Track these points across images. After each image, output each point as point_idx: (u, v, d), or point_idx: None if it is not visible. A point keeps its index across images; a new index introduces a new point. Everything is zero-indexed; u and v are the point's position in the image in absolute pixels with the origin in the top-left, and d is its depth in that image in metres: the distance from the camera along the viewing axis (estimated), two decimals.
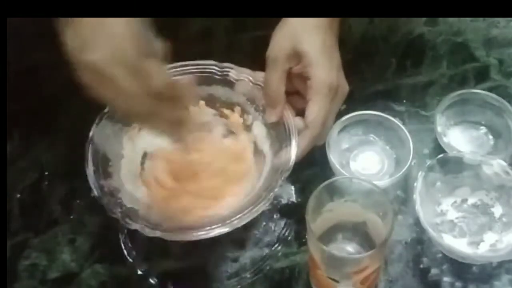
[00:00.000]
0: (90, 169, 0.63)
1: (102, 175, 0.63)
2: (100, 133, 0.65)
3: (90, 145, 0.64)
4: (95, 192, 0.61)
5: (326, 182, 0.57)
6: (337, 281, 0.56)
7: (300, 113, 0.65)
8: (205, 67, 0.70)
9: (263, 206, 0.59)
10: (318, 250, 0.55)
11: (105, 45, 0.52)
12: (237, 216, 0.59)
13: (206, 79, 0.70)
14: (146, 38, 0.54)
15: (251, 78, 0.69)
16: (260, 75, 0.68)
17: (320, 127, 0.64)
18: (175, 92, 0.57)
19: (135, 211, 0.61)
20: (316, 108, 0.64)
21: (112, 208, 0.60)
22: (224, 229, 0.58)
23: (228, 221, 0.58)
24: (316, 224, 0.57)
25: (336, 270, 0.56)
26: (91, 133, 0.65)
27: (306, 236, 0.56)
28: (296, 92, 0.67)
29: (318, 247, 0.54)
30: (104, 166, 0.64)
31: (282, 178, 0.61)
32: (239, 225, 0.59)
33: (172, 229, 0.60)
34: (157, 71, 0.55)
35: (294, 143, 0.63)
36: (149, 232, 0.58)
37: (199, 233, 0.58)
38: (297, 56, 0.64)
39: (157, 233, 0.58)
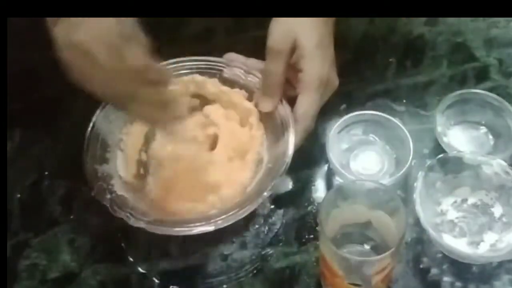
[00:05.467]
0: (87, 152, 0.64)
1: (99, 160, 0.64)
2: (103, 118, 0.67)
3: (92, 129, 0.65)
4: (89, 176, 0.62)
5: (335, 187, 0.57)
6: (359, 285, 0.56)
7: (288, 100, 0.66)
8: (214, 64, 0.70)
9: (249, 209, 0.60)
10: (339, 259, 0.54)
11: (91, 26, 0.54)
12: (222, 217, 0.59)
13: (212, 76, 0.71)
14: (130, 24, 0.56)
15: (244, 68, 0.70)
16: (252, 62, 0.69)
17: (310, 120, 0.66)
18: (155, 75, 0.57)
19: (124, 199, 0.62)
20: (306, 101, 0.65)
21: (102, 193, 0.61)
22: (208, 228, 0.59)
23: (212, 220, 0.59)
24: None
25: (357, 274, 0.55)
26: (94, 117, 0.66)
27: (320, 247, 0.56)
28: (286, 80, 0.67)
29: (338, 256, 0.54)
30: (102, 151, 0.65)
31: (272, 183, 0.61)
32: (222, 225, 0.59)
33: (157, 222, 0.60)
34: (137, 52, 0.55)
35: (289, 154, 0.63)
36: (133, 222, 0.59)
37: (183, 228, 0.59)
38: (294, 48, 0.65)
39: (141, 224, 0.59)
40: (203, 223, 0.59)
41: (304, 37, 0.64)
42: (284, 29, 0.65)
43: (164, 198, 0.66)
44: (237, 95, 0.70)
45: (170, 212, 0.64)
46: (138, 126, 0.69)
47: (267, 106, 0.67)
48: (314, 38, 0.65)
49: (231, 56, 0.71)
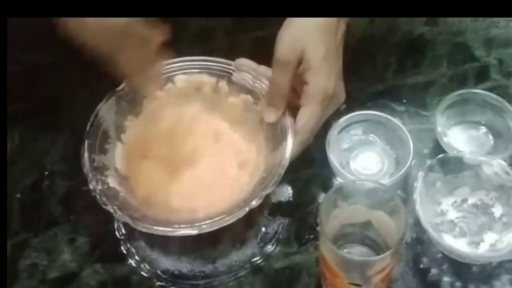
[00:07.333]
0: (87, 141, 0.64)
1: (97, 150, 0.65)
2: (107, 109, 0.67)
3: (94, 118, 0.66)
4: (84, 164, 0.63)
5: (335, 187, 0.56)
6: (359, 285, 0.56)
7: (293, 109, 0.66)
8: (224, 66, 0.70)
9: (236, 217, 0.60)
10: (339, 259, 0.54)
11: None
12: (207, 221, 0.59)
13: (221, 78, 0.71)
14: None
15: (253, 74, 0.69)
16: (262, 70, 0.69)
17: (310, 133, 0.65)
18: (140, 33, 0.60)
19: (115, 192, 0.62)
20: (307, 114, 0.64)
21: (94, 184, 0.61)
22: (192, 231, 0.59)
23: (197, 224, 0.59)
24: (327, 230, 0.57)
25: (358, 275, 0.55)
26: (98, 107, 0.67)
27: (320, 247, 0.56)
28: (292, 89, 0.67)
29: (338, 256, 0.54)
30: (102, 141, 0.66)
31: (262, 193, 0.61)
32: (207, 230, 0.59)
33: (142, 219, 0.60)
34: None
35: (284, 165, 0.63)
36: (119, 216, 0.59)
37: (167, 229, 0.59)
38: (301, 59, 0.64)
39: (127, 219, 0.59)
40: (188, 225, 0.59)
41: (311, 49, 0.64)
42: (291, 40, 0.64)
43: (155, 196, 0.66)
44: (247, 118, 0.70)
45: (159, 211, 0.64)
46: (142, 119, 0.69)
47: (271, 116, 0.66)
48: (321, 51, 0.64)
49: (242, 61, 0.71)
